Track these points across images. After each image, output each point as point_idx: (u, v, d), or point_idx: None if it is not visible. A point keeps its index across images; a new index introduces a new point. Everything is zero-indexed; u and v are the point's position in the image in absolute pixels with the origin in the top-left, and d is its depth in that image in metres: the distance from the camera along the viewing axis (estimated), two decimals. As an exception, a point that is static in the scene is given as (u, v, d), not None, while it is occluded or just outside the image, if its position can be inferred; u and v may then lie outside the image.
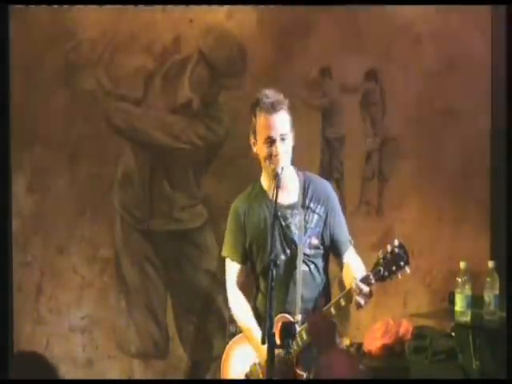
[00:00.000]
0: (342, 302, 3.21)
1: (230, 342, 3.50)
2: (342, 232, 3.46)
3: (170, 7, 4.85)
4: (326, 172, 5.04)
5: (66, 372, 4.86)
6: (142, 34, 4.89)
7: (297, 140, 4.89)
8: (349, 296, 3.18)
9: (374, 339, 4.69)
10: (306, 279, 3.34)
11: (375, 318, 4.77)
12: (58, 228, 4.91)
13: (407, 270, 3.17)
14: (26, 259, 4.89)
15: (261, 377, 3.30)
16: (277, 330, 3.06)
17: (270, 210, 3.29)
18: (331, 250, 3.45)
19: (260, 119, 3.31)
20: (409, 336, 4.65)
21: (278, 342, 3.00)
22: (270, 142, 3.30)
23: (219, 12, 4.89)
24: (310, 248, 3.36)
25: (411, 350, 4.50)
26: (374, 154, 5.09)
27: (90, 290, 4.93)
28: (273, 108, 3.28)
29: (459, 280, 4.12)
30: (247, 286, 3.52)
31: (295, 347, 3.22)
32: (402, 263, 3.15)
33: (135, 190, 4.94)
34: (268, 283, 3.00)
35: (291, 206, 3.36)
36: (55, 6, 4.77)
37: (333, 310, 3.23)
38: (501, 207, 4.66)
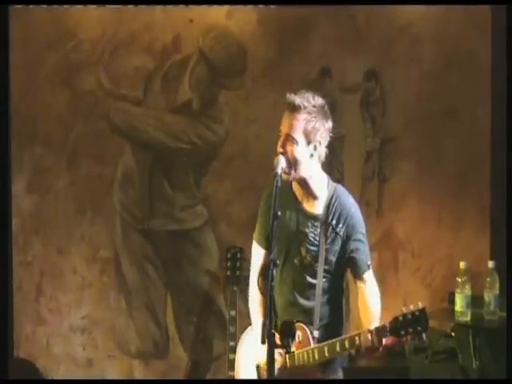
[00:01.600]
0: (347, 345, 3.22)
1: (248, 329, 3.54)
2: (361, 255, 3.41)
3: (169, 7, 4.85)
4: (326, 172, 5.03)
5: (65, 372, 4.87)
6: (141, 33, 4.89)
7: (297, 140, 4.92)
8: (353, 341, 3.21)
9: (374, 339, 4.69)
10: (320, 292, 3.37)
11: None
12: (57, 228, 4.91)
13: (424, 337, 3.16)
14: (26, 259, 4.89)
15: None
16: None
17: (294, 213, 3.34)
18: (350, 271, 3.45)
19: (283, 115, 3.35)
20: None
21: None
22: (279, 135, 3.31)
23: (219, 12, 4.88)
24: (326, 264, 3.36)
25: (411, 350, 4.50)
26: (374, 154, 5.08)
27: (90, 290, 4.93)
28: (289, 107, 3.29)
29: (459, 280, 4.12)
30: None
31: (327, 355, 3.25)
32: (419, 328, 3.13)
33: (135, 189, 4.94)
34: (268, 283, 3.00)
35: (314, 217, 3.36)
36: (55, 6, 4.77)
37: (338, 348, 3.24)
38: (501, 207, 4.66)
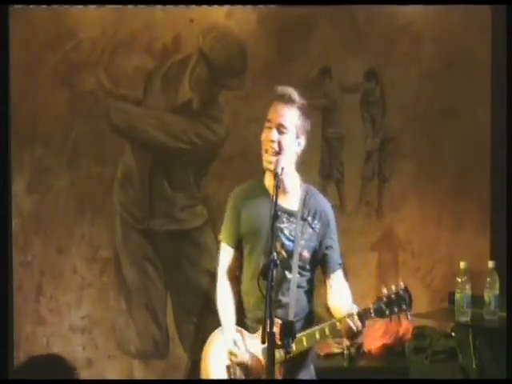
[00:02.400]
0: (327, 331, 3.24)
1: (210, 337, 3.52)
2: (334, 254, 3.45)
3: (170, 7, 4.85)
4: (326, 172, 5.04)
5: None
6: (142, 33, 4.89)
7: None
8: (334, 327, 3.22)
9: (374, 339, 4.70)
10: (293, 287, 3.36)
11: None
12: (57, 228, 4.90)
13: (408, 315, 3.20)
14: (26, 259, 4.89)
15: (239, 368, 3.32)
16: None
17: (268, 209, 3.27)
18: (321, 268, 3.46)
19: (272, 105, 3.38)
20: (409, 336, 4.65)
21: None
22: (269, 126, 3.33)
23: (219, 12, 4.88)
24: (300, 260, 3.37)
25: (411, 349, 4.51)
26: (374, 154, 5.09)
27: (90, 290, 4.93)
28: (283, 98, 3.33)
29: (459, 280, 4.12)
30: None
31: (317, 337, 3.26)
32: (403, 306, 3.18)
33: (135, 189, 4.94)
34: (268, 283, 3.00)
35: (290, 213, 3.37)
36: (55, 5, 4.77)
37: (317, 335, 3.26)
38: (501, 207, 4.66)
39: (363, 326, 3.18)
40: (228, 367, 3.36)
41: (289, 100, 3.32)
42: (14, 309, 4.83)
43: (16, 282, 4.86)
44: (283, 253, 3.35)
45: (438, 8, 4.90)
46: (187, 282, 4.95)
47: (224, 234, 3.51)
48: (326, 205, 3.47)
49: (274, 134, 3.31)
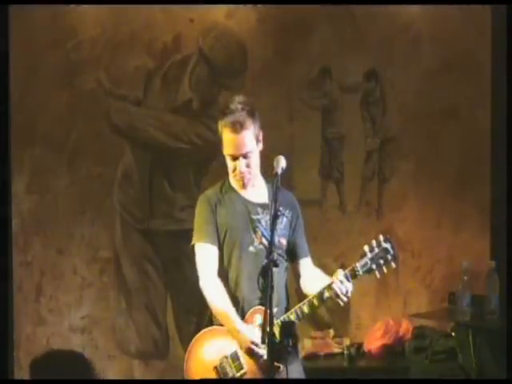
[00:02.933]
0: (316, 302, 3.24)
1: (196, 336, 3.45)
2: (303, 240, 3.49)
3: (170, 7, 4.85)
4: (326, 172, 5.04)
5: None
6: (142, 33, 4.89)
7: (297, 140, 4.93)
8: (321, 296, 3.22)
9: (374, 339, 4.70)
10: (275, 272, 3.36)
11: (375, 318, 4.78)
12: (57, 228, 4.91)
13: (393, 265, 3.24)
14: (26, 259, 4.89)
15: (230, 369, 3.28)
16: (251, 319, 3.19)
17: (243, 204, 3.35)
18: (290, 256, 3.47)
19: (223, 134, 3.34)
20: (409, 336, 4.65)
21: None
22: (233, 158, 3.34)
23: (219, 11, 4.89)
24: (279, 247, 3.38)
25: (411, 349, 4.51)
26: (374, 154, 5.09)
27: (90, 290, 4.93)
28: (235, 128, 3.28)
29: (460, 280, 4.12)
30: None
31: (306, 311, 3.24)
32: (389, 257, 3.23)
33: (135, 190, 4.94)
34: (267, 283, 3.00)
35: (262, 205, 3.39)
36: (55, 5, 4.77)
37: (306, 309, 3.25)
38: (501, 208, 4.66)
39: (352, 286, 3.20)
40: (216, 368, 3.34)
41: (241, 127, 3.28)
42: (14, 309, 4.84)
43: (16, 282, 4.86)
44: (264, 242, 3.35)
45: (438, 8, 4.90)
46: (187, 282, 4.93)
47: (203, 235, 3.44)
48: (291, 196, 3.51)
49: (242, 165, 3.33)
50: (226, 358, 3.32)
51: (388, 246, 3.25)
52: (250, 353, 3.23)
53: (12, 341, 4.84)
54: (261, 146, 3.38)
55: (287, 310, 3.35)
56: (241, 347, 3.26)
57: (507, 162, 4.54)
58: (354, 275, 3.24)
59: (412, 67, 5.00)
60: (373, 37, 4.98)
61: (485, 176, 4.99)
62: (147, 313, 4.96)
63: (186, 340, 4.90)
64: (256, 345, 3.21)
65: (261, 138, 3.38)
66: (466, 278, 4.13)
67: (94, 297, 4.93)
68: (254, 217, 3.37)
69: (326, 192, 5.03)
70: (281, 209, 3.36)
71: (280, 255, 3.38)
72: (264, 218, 3.38)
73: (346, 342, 4.75)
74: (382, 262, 3.23)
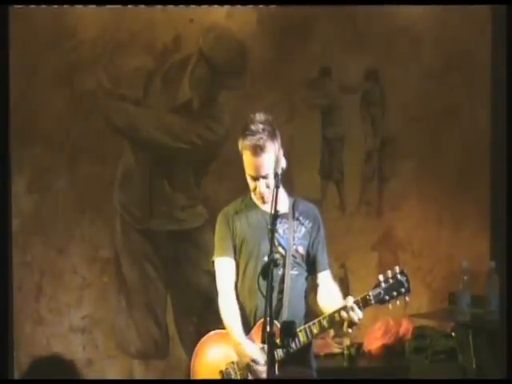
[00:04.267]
0: (325, 324, 3.23)
1: (204, 338, 3.49)
2: (324, 253, 3.48)
3: (170, 7, 4.85)
4: (326, 172, 5.04)
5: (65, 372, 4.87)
6: (142, 33, 4.89)
7: (297, 140, 4.92)
8: (332, 319, 3.22)
9: (374, 339, 4.70)
10: (291, 284, 3.36)
11: (375, 317, 4.78)
12: (57, 228, 4.91)
13: (407, 298, 3.23)
14: (26, 259, 4.89)
15: (235, 376, 3.30)
16: (258, 331, 3.14)
17: (261, 216, 3.37)
18: (308, 268, 3.46)
19: (244, 154, 3.35)
20: (409, 336, 4.66)
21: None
22: (253, 178, 3.35)
23: (219, 12, 4.89)
24: (296, 256, 3.38)
25: (411, 349, 4.51)
26: (374, 154, 5.09)
27: (90, 290, 4.93)
28: (255, 152, 3.28)
29: (459, 280, 4.12)
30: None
31: (315, 331, 3.24)
32: (402, 290, 3.21)
33: (135, 190, 4.94)
34: (268, 283, 3.00)
35: (280, 215, 3.36)
36: (55, 6, 4.77)
37: (315, 330, 3.25)
38: (501, 207, 4.65)
39: (361, 315, 3.18)
40: (221, 372, 3.35)
41: (261, 150, 3.27)
42: (13, 309, 4.84)
43: (16, 282, 4.86)
44: (280, 250, 3.36)
45: (438, 8, 4.90)
46: (187, 282, 4.94)
47: (222, 249, 3.48)
48: (314, 209, 3.51)
49: (262, 186, 3.34)
50: (233, 363, 3.33)
51: (403, 279, 3.22)
52: (249, 369, 3.25)
53: (12, 341, 4.83)
54: (284, 162, 3.34)
55: (305, 323, 3.34)
56: (240, 362, 3.28)
57: (507, 162, 4.53)
58: (365, 304, 3.21)
59: (412, 67, 5.00)
60: (373, 37, 4.99)
61: (485, 176, 5.00)
62: (147, 313, 4.96)
63: (186, 340, 4.96)
64: (256, 363, 3.23)
65: (281, 155, 3.35)
66: (465, 277, 4.13)
67: (94, 297, 4.93)
68: (271, 227, 3.29)
69: (326, 192, 5.04)
70: (300, 218, 3.41)
71: (297, 263, 3.39)
72: (281, 227, 3.37)
73: (346, 342, 4.75)
74: (395, 294, 3.20)
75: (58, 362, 4.90)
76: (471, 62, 4.99)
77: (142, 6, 4.81)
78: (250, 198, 3.46)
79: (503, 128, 4.60)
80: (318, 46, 4.96)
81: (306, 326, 3.28)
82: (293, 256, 3.37)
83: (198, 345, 3.48)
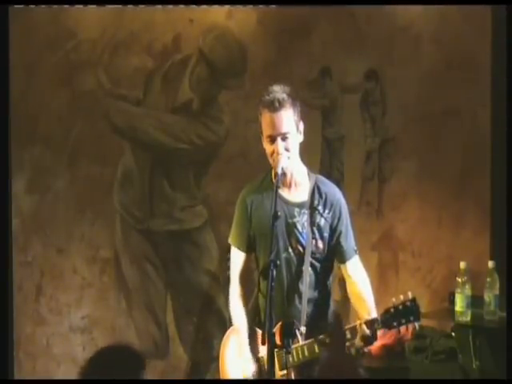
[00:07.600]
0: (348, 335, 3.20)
1: (225, 337, 3.51)
2: (348, 241, 3.42)
3: (170, 7, 4.85)
4: (326, 172, 5.04)
5: (65, 372, 4.87)
6: (141, 33, 4.89)
7: (297, 140, 4.91)
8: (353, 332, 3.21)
9: (374, 339, 4.69)
10: (310, 281, 3.33)
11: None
12: (57, 228, 4.90)
13: (416, 325, 3.19)
14: (26, 259, 4.89)
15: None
16: (278, 331, 3.08)
17: (280, 208, 3.22)
18: (336, 257, 3.42)
19: (262, 116, 3.29)
20: (409, 336, 4.65)
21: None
22: (271, 140, 3.26)
23: (219, 12, 4.88)
24: (315, 251, 3.34)
25: (411, 349, 4.50)
26: (374, 154, 5.09)
27: (90, 290, 4.93)
28: (273, 106, 3.23)
29: (459, 280, 4.12)
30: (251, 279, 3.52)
31: (295, 359, 3.20)
32: (411, 318, 3.16)
33: (135, 190, 4.94)
34: (268, 283, 3.00)
35: (300, 205, 3.33)
36: (55, 6, 4.77)
37: (317, 349, 3.21)
38: (501, 207, 4.66)
39: (374, 336, 3.20)
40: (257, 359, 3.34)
41: (279, 105, 3.23)
42: (13, 309, 4.84)
43: (16, 281, 4.86)
44: (299, 248, 3.32)
45: (438, 8, 4.90)
46: (187, 282, 4.94)
47: (234, 237, 3.46)
48: (335, 191, 3.43)
49: (280, 146, 3.24)
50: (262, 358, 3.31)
51: (414, 308, 3.16)
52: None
53: (12, 341, 4.84)
54: (301, 137, 3.29)
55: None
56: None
57: (507, 162, 4.53)
58: (373, 327, 3.20)
59: (412, 67, 5.00)
60: (373, 37, 4.98)
61: (485, 176, 4.99)
62: (147, 313, 4.96)
63: (186, 340, 4.96)
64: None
65: (301, 128, 3.30)
66: (465, 277, 4.12)
67: (94, 297, 4.93)
68: (291, 220, 3.30)
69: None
70: (319, 208, 3.32)
71: (316, 259, 3.33)
72: (300, 221, 3.31)
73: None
74: (403, 321, 3.17)
75: (57, 362, 4.90)
76: (471, 62, 4.98)
77: (142, 6, 4.81)
78: (271, 179, 3.35)
79: (503, 128, 4.61)
80: (318, 46, 4.96)
81: (321, 337, 3.20)
82: (312, 253, 3.32)
83: (222, 344, 3.48)
